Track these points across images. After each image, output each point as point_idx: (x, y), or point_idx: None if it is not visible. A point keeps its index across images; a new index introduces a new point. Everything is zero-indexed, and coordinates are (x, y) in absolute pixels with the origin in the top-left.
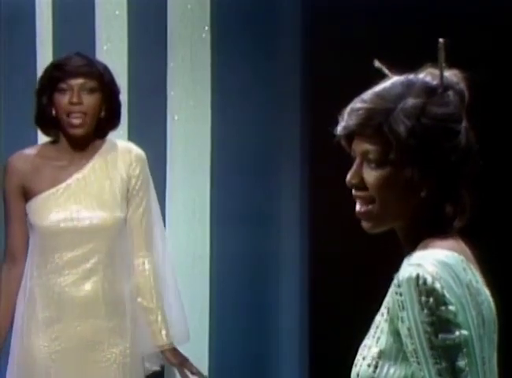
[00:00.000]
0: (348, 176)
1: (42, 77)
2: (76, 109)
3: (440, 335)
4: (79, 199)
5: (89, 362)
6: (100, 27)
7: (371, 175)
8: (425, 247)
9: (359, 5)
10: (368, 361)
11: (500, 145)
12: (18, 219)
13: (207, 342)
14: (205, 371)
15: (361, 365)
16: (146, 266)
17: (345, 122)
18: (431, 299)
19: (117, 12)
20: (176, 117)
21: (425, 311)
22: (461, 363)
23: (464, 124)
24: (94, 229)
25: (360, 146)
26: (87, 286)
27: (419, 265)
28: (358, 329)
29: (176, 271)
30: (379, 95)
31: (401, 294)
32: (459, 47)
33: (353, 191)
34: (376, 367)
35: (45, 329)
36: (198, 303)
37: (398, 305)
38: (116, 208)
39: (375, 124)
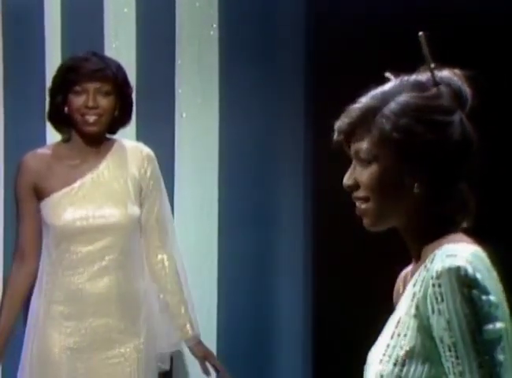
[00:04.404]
0: (344, 179)
1: (57, 77)
2: (91, 112)
3: (483, 327)
4: (94, 198)
5: (103, 358)
6: (108, 24)
7: (362, 174)
8: (451, 241)
9: (361, 6)
10: (393, 360)
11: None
12: (30, 217)
13: (215, 339)
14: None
15: (385, 365)
16: (166, 263)
17: (339, 123)
18: (474, 290)
19: (126, 10)
20: (184, 115)
21: (468, 302)
22: (501, 356)
23: (458, 116)
24: (108, 227)
25: (354, 147)
26: (102, 283)
27: (458, 256)
28: (360, 328)
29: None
30: (372, 96)
31: (439, 286)
32: (460, 47)
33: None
34: (403, 365)
35: (60, 323)
36: (205, 300)
37: (436, 298)
38: (130, 206)
39: (365, 122)
